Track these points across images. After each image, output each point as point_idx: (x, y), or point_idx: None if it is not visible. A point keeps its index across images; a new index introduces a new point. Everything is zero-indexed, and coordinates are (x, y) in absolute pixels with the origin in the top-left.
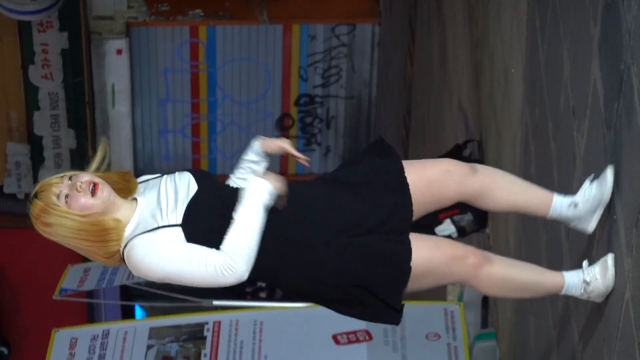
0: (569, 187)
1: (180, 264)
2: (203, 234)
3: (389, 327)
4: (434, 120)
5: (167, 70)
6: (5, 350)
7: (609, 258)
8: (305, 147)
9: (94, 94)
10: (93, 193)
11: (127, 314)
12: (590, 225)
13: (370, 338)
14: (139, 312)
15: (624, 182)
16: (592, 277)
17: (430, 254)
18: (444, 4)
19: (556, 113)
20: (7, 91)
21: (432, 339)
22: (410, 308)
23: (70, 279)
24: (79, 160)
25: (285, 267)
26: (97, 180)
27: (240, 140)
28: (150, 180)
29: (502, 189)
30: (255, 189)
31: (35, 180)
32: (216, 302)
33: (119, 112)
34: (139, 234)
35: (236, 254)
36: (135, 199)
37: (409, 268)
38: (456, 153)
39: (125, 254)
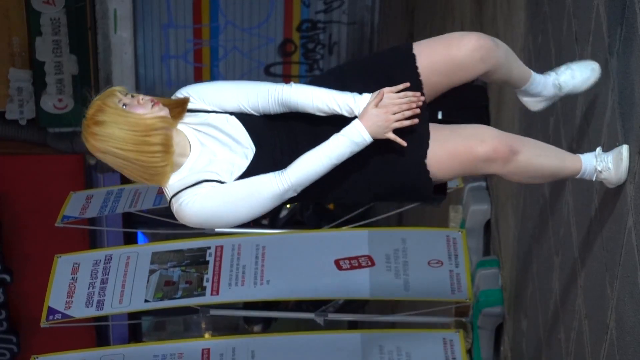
0: (572, 114)
1: (249, 202)
2: None
3: (391, 253)
4: None
5: None
6: (7, 277)
7: (624, 149)
8: (307, 73)
9: (96, 19)
10: (152, 107)
11: (130, 241)
12: (540, 107)
13: (373, 264)
14: (141, 239)
15: (626, 109)
16: (605, 167)
17: (451, 164)
18: None
19: (559, 39)
20: (9, 17)
21: (434, 265)
22: (412, 234)
23: (73, 206)
24: (82, 86)
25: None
26: (157, 99)
27: (242, 66)
28: (204, 115)
29: (509, 62)
30: (357, 136)
31: (38, 106)
32: (218, 229)
33: (121, 38)
34: (187, 188)
35: (300, 178)
36: (188, 141)
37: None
38: None
39: (174, 207)
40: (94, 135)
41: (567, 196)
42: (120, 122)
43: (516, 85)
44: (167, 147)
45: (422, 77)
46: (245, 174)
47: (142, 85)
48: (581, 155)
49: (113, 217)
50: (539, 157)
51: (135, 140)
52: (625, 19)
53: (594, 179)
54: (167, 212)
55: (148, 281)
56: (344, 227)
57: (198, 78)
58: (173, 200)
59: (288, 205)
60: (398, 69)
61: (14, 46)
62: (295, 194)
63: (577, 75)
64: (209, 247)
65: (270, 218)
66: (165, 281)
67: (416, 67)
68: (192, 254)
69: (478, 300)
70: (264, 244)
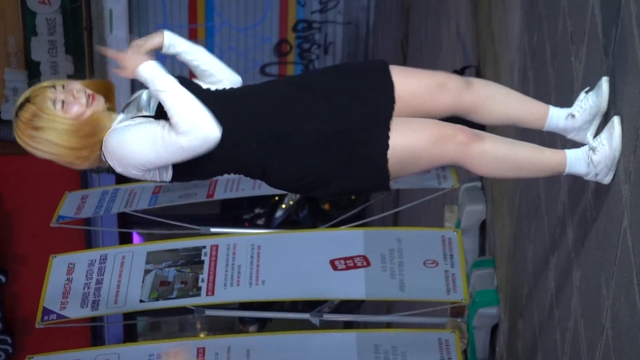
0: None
1: (147, 148)
2: None
3: (387, 253)
4: (432, 46)
5: None
6: (2, 277)
7: (615, 118)
8: None
9: (91, 19)
10: (89, 103)
11: (125, 241)
12: (589, 135)
13: (368, 264)
14: (136, 239)
15: (621, 108)
16: (599, 143)
17: (413, 136)
18: None
19: (554, 39)
20: (4, 17)
21: (429, 265)
22: (408, 235)
23: (68, 206)
24: None
25: (271, 161)
26: (90, 91)
27: (237, 66)
28: (136, 97)
29: (497, 102)
30: (148, 74)
31: None
32: (214, 230)
33: (116, 38)
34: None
35: (190, 117)
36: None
37: (385, 166)
38: None
39: (104, 148)
40: (31, 138)
41: (563, 196)
42: (57, 128)
43: (532, 126)
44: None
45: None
46: None
47: (137, 85)
48: (566, 150)
49: (108, 217)
50: (508, 144)
51: (77, 145)
52: (620, 19)
53: (586, 171)
54: (163, 212)
55: (143, 281)
56: (339, 227)
57: (193, 77)
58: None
59: (283, 205)
60: (373, 74)
61: (10, 46)
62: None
63: (590, 97)
64: (204, 247)
65: (266, 218)
66: (161, 281)
67: (390, 77)
68: (188, 254)
69: (474, 300)
70: (259, 244)
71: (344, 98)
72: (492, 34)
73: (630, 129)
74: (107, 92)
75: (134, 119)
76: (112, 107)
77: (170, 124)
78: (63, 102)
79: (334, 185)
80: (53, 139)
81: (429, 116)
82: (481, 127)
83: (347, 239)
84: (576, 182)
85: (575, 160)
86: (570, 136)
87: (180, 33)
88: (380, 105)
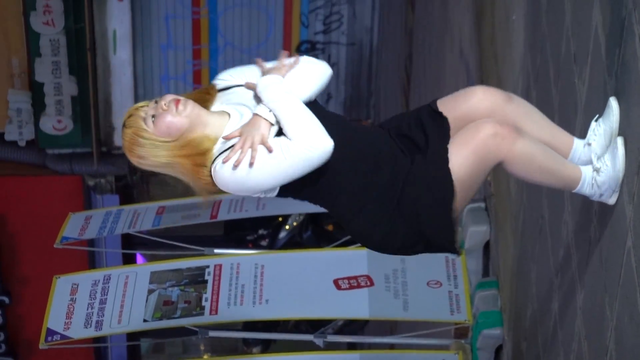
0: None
1: (271, 168)
2: None
3: (390, 273)
4: (435, 67)
5: (169, 16)
6: (6, 298)
7: (618, 139)
8: None
9: (95, 40)
10: (178, 109)
11: (129, 262)
12: (593, 156)
13: (372, 284)
14: (140, 260)
15: (625, 129)
16: (602, 164)
17: (469, 158)
18: None
19: (557, 60)
20: (8, 38)
21: (433, 286)
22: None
23: (72, 227)
24: (81, 107)
25: (359, 216)
26: (179, 97)
27: None
28: (229, 91)
29: (533, 122)
30: (270, 86)
31: (37, 127)
32: (217, 251)
33: (120, 59)
34: (221, 153)
35: (308, 132)
36: (226, 114)
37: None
38: None
39: (214, 174)
40: (138, 161)
41: (566, 217)
42: (158, 154)
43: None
44: (210, 150)
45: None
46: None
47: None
48: (582, 167)
49: (112, 238)
50: (544, 149)
51: (178, 153)
52: (624, 40)
53: (592, 191)
54: (166, 233)
55: (147, 301)
56: (343, 247)
57: None
58: (212, 168)
59: (287, 227)
60: (429, 119)
61: (14, 67)
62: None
63: (601, 121)
64: (208, 266)
65: (270, 239)
66: (164, 301)
67: (443, 116)
68: (191, 273)
69: (477, 321)
70: (262, 263)
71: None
72: (496, 54)
73: (634, 150)
74: (207, 95)
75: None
76: (210, 104)
77: (287, 138)
78: (154, 116)
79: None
80: (156, 162)
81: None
82: None
83: (351, 259)
84: (579, 203)
85: (587, 180)
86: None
87: (184, 54)
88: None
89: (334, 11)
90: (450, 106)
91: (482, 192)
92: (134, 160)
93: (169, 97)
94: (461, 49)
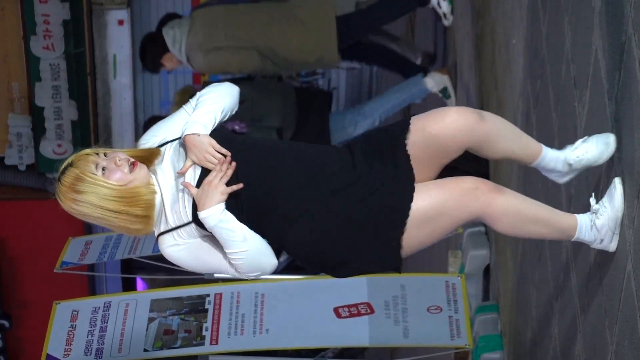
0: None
1: (210, 268)
2: None
3: (390, 300)
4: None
5: None
6: (6, 323)
7: (616, 180)
8: None
9: (95, 65)
10: (131, 170)
11: (129, 286)
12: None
13: (372, 311)
14: (140, 285)
15: (624, 153)
16: (601, 206)
17: (435, 194)
18: None
19: (557, 84)
20: (8, 62)
21: (433, 311)
22: (411, 281)
23: (72, 252)
24: (81, 132)
25: (293, 232)
26: (133, 159)
27: None
28: (165, 149)
29: (504, 137)
30: (211, 224)
31: (37, 152)
32: (217, 275)
33: (120, 83)
34: (164, 233)
35: (256, 269)
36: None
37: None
38: None
39: (159, 246)
40: (74, 201)
41: (566, 241)
42: (101, 193)
43: (523, 162)
44: (147, 216)
45: (410, 152)
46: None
47: (141, 131)
48: (577, 215)
49: (112, 263)
50: (527, 200)
51: (119, 209)
52: (624, 64)
53: (592, 238)
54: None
55: (147, 329)
56: None
57: None
58: (159, 239)
59: None
60: (390, 144)
61: (14, 92)
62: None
63: (591, 149)
64: (208, 295)
65: None
66: (165, 330)
67: (405, 145)
68: (191, 302)
69: (477, 345)
70: (263, 292)
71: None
72: (496, 78)
73: (634, 173)
74: (152, 158)
75: (180, 231)
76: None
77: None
78: (105, 168)
79: (352, 265)
80: (95, 202)
81: (447, 157)
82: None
83: (351, 286)
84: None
85: (584, 227)
86: (550, 176)
87: (184, 78)
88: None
89: None
90: (424, 123)
91: None
92: (68, 198)
93: (121, 155)
94: (461, 73)
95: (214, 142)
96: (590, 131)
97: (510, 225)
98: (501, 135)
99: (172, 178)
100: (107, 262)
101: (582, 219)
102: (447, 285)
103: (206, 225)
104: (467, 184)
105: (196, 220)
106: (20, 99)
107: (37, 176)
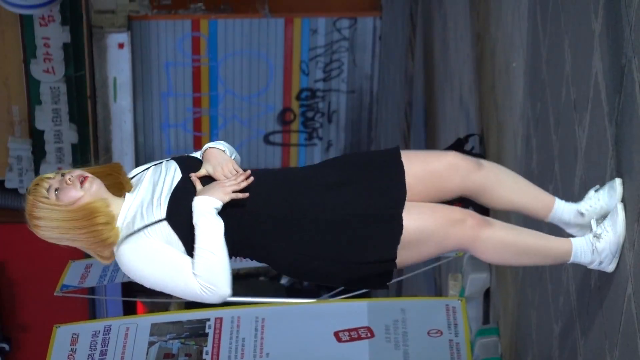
0: (570, 182)
1: (165, 280)
2: (189, 222)
3: (390, 324)
4: (436, 114)
5: (169, 64)
6: (6, 346)
7: (619, 205)
8: (306, 141)
9: (95, 88)
10: (81, 185)
11: (129, 309)
12: (593, 222)
13: (372, 335)
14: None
15: (625, 176)
16: (603, 230)
17: (424, 219)
18: None
19: (557, 107)
20: (8, 85)
21: (433, 335)
22: (411, 304)
23: (72, 275)
24: (81, 155)
25: (277, 245)
26: (86, 174)
27: (241, 134)
28: (141, 174)
29: (505, 186)
30: (201, 209)
31: (37, 174)
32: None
33: (120, 106)
34: (127, 237)
35: (213, 279)
36: (124, 195)
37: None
38: (458, 147)
39: (116, 257)
40: (38, 227)
41: (566, 264)
42: (55, 216)
43: (538, 216)
44: (109, 223)
45: (407, 180)
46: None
47: (142, 153)
48: (571, 238)
49: (112, 286)
50: (516, 230)
51: (81, 225)
52: (624, 87)
53: (590, 260)
54: None
55: (147, 353)
56: (342, 297)
57: (197, 146)
58: (121, 246)
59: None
60: (387, 169)
61: (14, 115)
62: (230, 289)
63: (602, 197)
64: (209, 319)
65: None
66: (165, 354)
67: (403, 173)
68: (192, 326)
69: None
70: (263, 316)
71: (355, 187)
72: (496, 101)
73: (635, 196)
74: (113, 173)
75: (148, 229)
76: (122, 185)
77: (193, 267)
78: (57, 189)
79: (340, 273)
80: (54, 225)
81: (440, 198)
82: (485, 212)
83: (351, 311)
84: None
85: (580, 250)
86: (570, 231)
87: (184, 102)
88: (393, 193)
89: (334, 59)
90: (421, 161)
91: None
92: (34, 224)
93: (76, 173)
94: (461, 96)
95: (234, 162)
96: (590, 154)
97: (498, 257)
98: (502, 184)
99: (149, 189)
100: (107, 285)
101: (578, 243)
102: (448, 309)
103: (195, 210)
104: (456, 215)
105: (169, 218)
106: (20, 122)
107: None
